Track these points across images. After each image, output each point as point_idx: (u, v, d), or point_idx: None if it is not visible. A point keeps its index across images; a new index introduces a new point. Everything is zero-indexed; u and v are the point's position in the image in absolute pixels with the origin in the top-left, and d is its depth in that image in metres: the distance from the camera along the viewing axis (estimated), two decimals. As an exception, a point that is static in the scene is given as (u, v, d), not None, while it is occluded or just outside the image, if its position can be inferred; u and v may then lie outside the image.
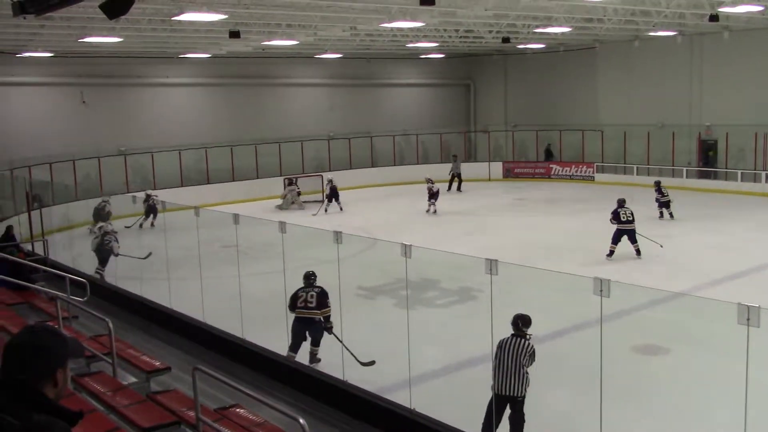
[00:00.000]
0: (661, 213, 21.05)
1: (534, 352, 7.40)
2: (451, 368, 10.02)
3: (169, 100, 29.03)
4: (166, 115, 28.53)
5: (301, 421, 5.02)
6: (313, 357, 10.13)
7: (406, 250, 7.82)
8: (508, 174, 32.40)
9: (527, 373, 7.31)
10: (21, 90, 25.51)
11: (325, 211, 24.58)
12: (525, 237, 19.09)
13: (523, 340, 7.40)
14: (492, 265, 6.95)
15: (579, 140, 31.45)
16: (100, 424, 5.70)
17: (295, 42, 23.46)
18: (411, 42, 26.52)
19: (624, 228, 16.32)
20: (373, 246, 16.39)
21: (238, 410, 6.80)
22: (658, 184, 21.30)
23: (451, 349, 10.76)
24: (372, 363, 9.82)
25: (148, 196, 22.18)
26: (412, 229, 20.17)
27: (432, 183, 23.84)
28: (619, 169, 29.83)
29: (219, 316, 10.98)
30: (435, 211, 23.42)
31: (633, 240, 16.32)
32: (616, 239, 16.32)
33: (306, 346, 10.12)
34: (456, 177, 28.95)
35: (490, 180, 31.61)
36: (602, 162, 30.60)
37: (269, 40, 22.86)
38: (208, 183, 27.47)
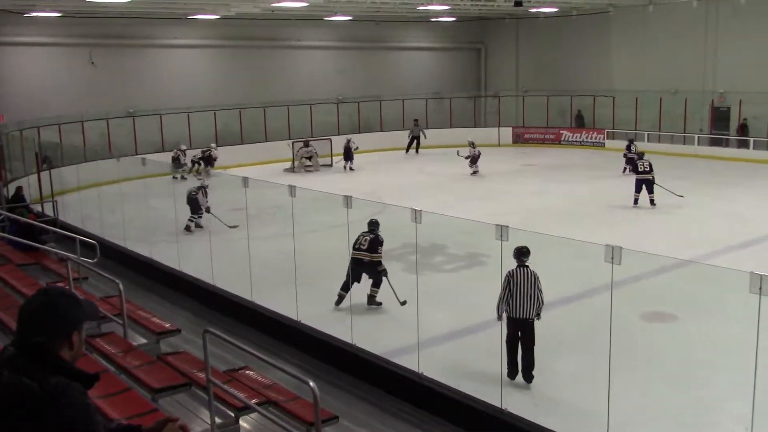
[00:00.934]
0: (625, 168, 21.92)
1: (538, 277, 7.99)
2: (459, 333, 10.04)
3: (177, 61, 28.83)
4: (174, 76, 28.37)
5: (311, 384, 5.03)
6: (371, 299, 10.52)
7: (417, 215, 7.80)
8: (518, 139, 32.18)
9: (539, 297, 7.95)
10: (29, 50, 25.36)
11: (344, 168, 25.76)
12: (534, 203, 19.01)
13: (529, 269, 8.00)
14: (503, 231, 6.93)
15: (590, 106, 31.14)
16: (112, 385, 5.74)
17: (304, 3, 23.19)
18: (422, 4, 26.16)
19: (642, 178, 17.53)
20: (382, 211, 16.39)
21: (247, 372, 6.86)
22: (630, 141, 22.49)
23: (458, 314, 10.78)
24: (404, 302, 10.15)
25: (209, 148, 24.71)
26: (420, 193, 20.08)
27: (474, 146, 24.05)
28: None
29: (228, 279, 11.05)
30: (477, 172, 23.79)
31: (650, 190, 17.46)
32: (637, 188, 17.60)
33: (359, 289, 10.42)
34: (415, 140, 29.92)
35: (499, 145, 31.40)
36: (613, 128, 30.33)
37: (278, 1, 22.59)
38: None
